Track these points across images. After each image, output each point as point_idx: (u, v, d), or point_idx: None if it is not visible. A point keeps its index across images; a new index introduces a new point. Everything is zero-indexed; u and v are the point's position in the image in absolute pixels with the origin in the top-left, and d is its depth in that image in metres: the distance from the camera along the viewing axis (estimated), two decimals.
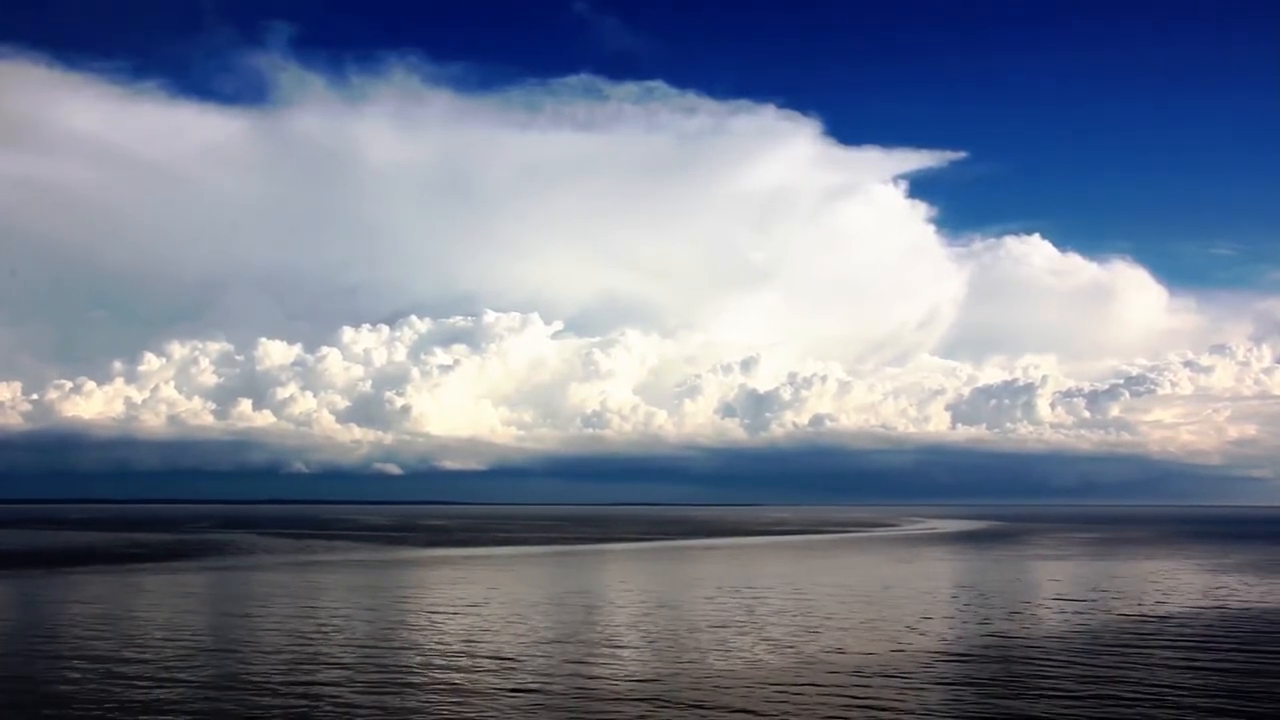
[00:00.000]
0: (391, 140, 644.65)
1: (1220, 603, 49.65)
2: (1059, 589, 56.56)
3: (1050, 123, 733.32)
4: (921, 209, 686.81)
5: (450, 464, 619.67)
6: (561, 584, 61.52)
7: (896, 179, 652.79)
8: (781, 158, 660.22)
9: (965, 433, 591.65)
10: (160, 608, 47.07)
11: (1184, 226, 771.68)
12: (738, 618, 42.97)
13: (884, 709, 25.64)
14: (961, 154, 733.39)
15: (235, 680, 29.07)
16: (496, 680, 29.29)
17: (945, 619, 42.73)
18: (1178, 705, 26.05)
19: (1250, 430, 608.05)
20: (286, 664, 31.71)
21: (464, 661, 32.27)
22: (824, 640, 36.54)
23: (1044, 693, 27.46)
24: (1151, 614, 44.64)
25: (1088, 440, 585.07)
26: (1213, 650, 34.64)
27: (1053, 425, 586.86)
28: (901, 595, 52.50)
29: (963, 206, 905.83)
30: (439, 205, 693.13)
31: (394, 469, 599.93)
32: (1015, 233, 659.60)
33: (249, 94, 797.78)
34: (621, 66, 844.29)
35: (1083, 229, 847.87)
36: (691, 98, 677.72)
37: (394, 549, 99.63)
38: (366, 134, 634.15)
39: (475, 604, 48.44)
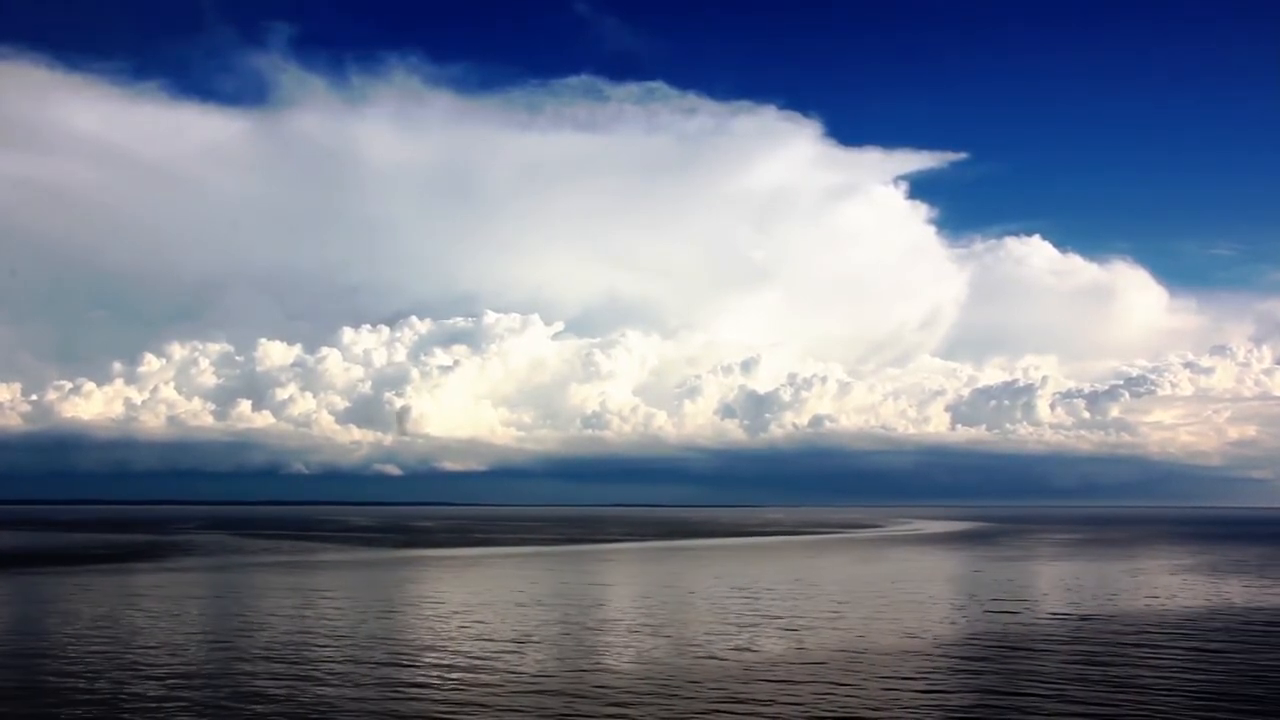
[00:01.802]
0: (392, 141, 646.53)
1: (1154, 604, 49.89)
2: (999, 590, 56.83)
3: (1050, 123, 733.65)
4: (922, 210, 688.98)
5: (450, 465, 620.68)
6: (509, 584, 61.90)
7: (897, 180, 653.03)
8: (782, 158, 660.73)
9: (965, 434, 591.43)
10: (97, 605, 47.54)
11: (1184, 227, 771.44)
12: (661, 617, 43.41)
13: (753, 702, 26.03)
14: (962, 155, 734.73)
15: (108, 673, 29.54)
16: (391, 672, 29.77)
17: (863, 619, 43.04)
18: (1038, 695, 26.40)
19: (1250, 431, 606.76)
20: (176, 661, 32.17)
21: (361, 655, 32.70)
22: (734, 639, 36.93)
23: (922, 691, 27.84)
24: (1073, 614, 44.99)
25: (1088, 441, 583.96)
26: (1116, 648, 34.98)
27: (1052, 426, 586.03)
28: (842, 595, 52.80)
29: (963, 207, 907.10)
30: (440, 206, 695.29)
31: (394, 470, 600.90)
32: (1015, 233, 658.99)
33: (249, 94, 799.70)
34: (622, 67, 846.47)
35: (1083, 229, 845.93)
36: (692, 98, 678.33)
37: (365, 550, 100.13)
38: (367, 134, 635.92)
39: (409, 604, 48.95)
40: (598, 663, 32.12)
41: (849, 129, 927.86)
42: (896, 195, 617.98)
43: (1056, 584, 61.26)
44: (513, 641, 36.37)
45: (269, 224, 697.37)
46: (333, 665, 31.40)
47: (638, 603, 49.53)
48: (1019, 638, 37.48)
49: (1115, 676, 29.80)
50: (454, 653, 33.92)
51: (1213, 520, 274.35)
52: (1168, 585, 60.18)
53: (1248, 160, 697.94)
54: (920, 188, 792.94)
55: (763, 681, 28.93)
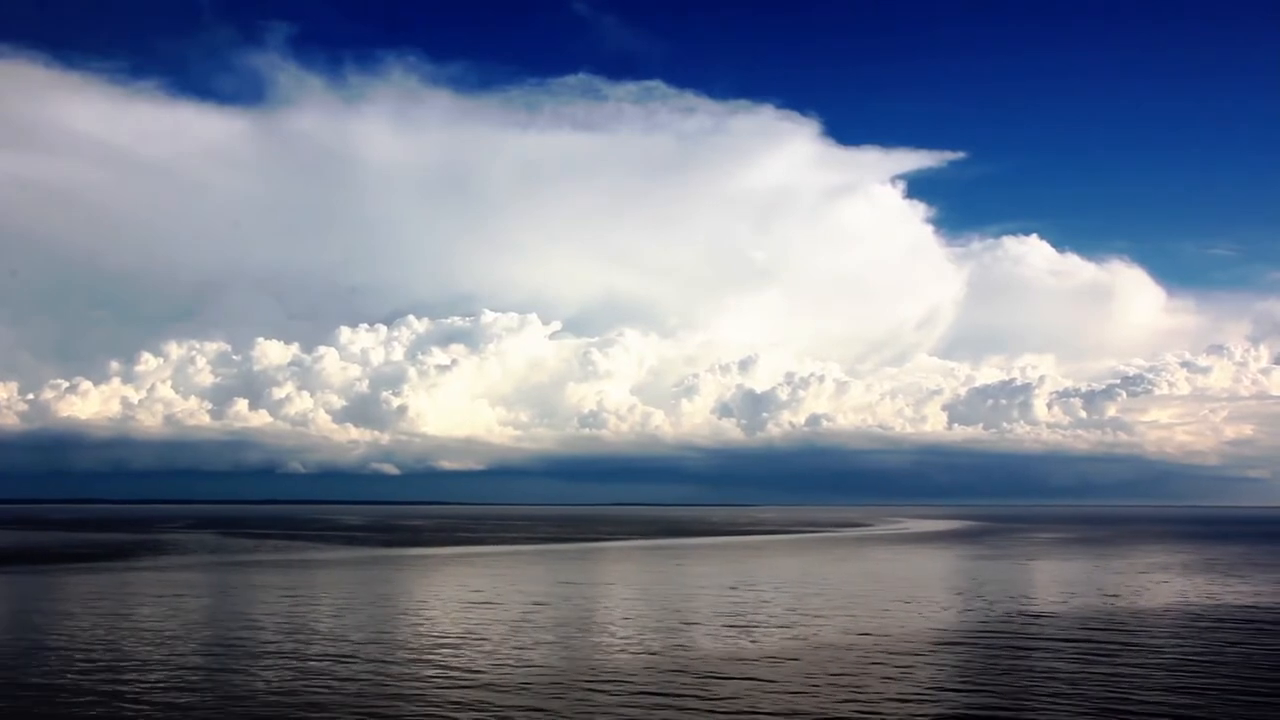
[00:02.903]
0: (390, 140, 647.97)
1: (1109, 602, 50.08)
2: (959, 589, 57.01)
3: (1048, 123, 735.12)
4: (920, 209, 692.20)
5: (447, 464, 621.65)
6: (474, 583, 62.06)
7: (895, 179, 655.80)
8: (780, 158, 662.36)
9: (962, 433, 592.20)
10: (52, 603, 47.83)
11: (1182, 227, 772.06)
12: (611, 615, 43.74)
13: (670, 696, 26.30)
14: (960, 154, 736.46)
15: (36, 666, 29.83)
16: (322, 665, 29.98)
17: (811, 617, 43.26)
18: (953, 690, 26.63)
19: (1247, 430, 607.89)
20: (110, 656, 32.43)
21: (298, 649, 32.92)
22: (676, 637, 37.24)
23: (841, 687, 28.08)
24: (1021, 612, 45.17)
25: (1084, 440, 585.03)
26: (1047, 644, 35.18)
27: (1049, 425, 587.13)
28: (800, 593, 53.04)
29: (961, 207, 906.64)
30: (438, 205, 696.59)
31: (391, 469, 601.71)
32: (1013, 233, 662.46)
33: (248, 94, 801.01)
34: (620, 66, 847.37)
35: (1081, 229, 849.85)
36: (690, 97, 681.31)
37: (345, 549, 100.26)
38: (365, 134, 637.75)
39: (367, 602, 49.13)
40: (529, 659, 32.31)
41: (847, 128, 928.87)
42: (894, 195, 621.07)
43: (1019, 583, 61.37)
44: (455, 637, 36.58)
45: (267, 223, 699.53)
46: (261, 659, 31.61)
47: (593, 600, 49.76)
48: (957, 636, 37.68)
49: (1037, 669, 30.05)
50: (390, 647, 34.15)
51: (1206, 520, 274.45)
52: (1131, 584, 60.39)
53: (1246, 160, 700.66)
54: (918, 187, 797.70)
55: (689, 676, 29.17)
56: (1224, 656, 33.09)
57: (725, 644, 35.46)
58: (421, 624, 40.47)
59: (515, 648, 34.55)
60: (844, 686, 27.93)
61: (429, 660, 31.97)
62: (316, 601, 49.05)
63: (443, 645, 34.89)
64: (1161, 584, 60.16)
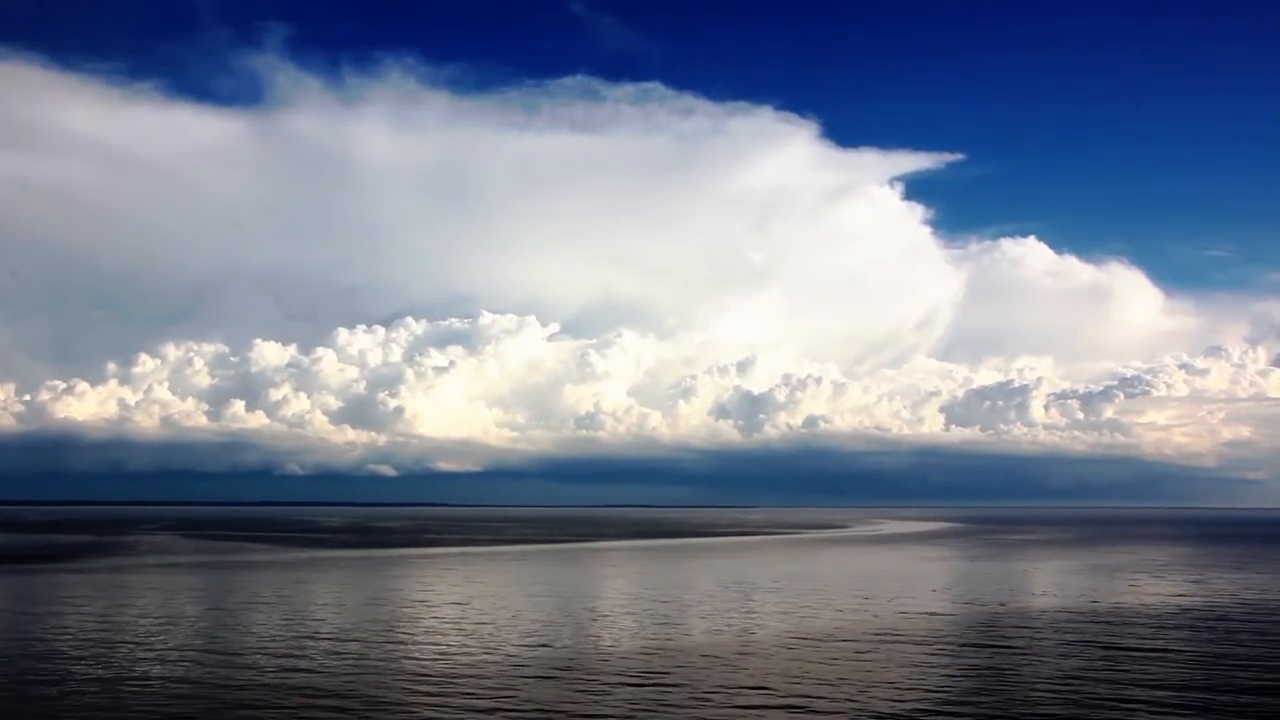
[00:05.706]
0: (388, 141, 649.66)
1: (1002, 603, 50.34)
2: (881, 589, 57.18)
3: (1047, 125, 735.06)
4: (918, 210, 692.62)
5: (444, 465, 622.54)
6: (393, 585, 62.43)
7: (893, 181, 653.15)
8: (779, 159, 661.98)
9: (959, 434, 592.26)
10: None
11: (1180, 228, 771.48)
12: (497, 616, 44.04)
13: (480, 694, 26.59)
14: (958, 156, 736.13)
15: None
16: (163, 669, 30.32)
17: (702, 618, 43.62)
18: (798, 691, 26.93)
19: (1244, 432, 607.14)
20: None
21: (166, 656, 33.28)
22: (546, 635, 37.71)
23: (661, 685, 28.36)
24: (920, 611, 45.44)
25: (1082, 442, 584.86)
26: (921, 643, 35.44)
27: (1047, 427, 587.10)
28: (709, 596, 53.37)
29: (959, 208, 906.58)
30: (436, 206, 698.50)
31: (388, 470, 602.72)
32: (1011, 234, 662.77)
33: (245, 95, 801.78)
34: (619, 67, 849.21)
35: (1079, 231, 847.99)
36: (689, 99, 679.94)
37: (297, 550, 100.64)
38: (363, 135, 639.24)
39: (265, 602, 49.46)
40: (387, 660, 32.64)
41: (845, 130, 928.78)
42: (893, 196, 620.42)
43: (937, 584, 61.42)
44: (319, 638, 36.85)
45: (265, 224, 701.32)
46: (114, 663, 31.98)
47: (491, 603, 49.73)
48: (846, 635, 37.89)
49: (899, 661, 30.28)
50: (257, 648, 34.42)
51: (1198, 521, 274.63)
52: (1057, 584, 60.78)
53: (1244, 162, 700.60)
54: (916, 188, 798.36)
55: (526, 674, 29.48)
56: (1067, 652, 33.41)
57: (593, 644, 35.72)
58: (306, 625, 40.66)
59: (378, 650, 34.78)
60: (675, 686, 28.20)
61: (288, 656, 32.27)
62: (215, 602, 49.40)
63: (306, 641, 35.19)
64: (1073, 583, 60.34)
